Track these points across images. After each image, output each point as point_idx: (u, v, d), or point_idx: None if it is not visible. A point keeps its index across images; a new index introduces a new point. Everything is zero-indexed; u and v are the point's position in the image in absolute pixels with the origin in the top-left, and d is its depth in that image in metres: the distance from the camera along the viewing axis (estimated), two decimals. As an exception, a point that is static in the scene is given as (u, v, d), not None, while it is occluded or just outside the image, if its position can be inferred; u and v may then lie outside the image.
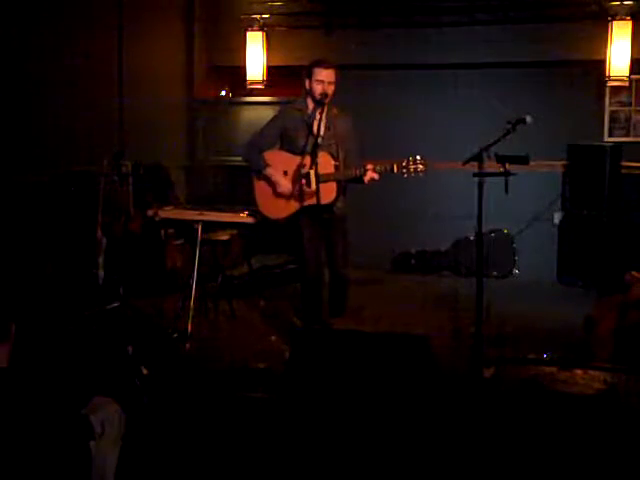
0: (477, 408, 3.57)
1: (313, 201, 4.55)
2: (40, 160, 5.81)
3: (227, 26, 7.92)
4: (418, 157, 4.53)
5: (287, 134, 4.78)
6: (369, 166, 4.58)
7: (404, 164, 4.52)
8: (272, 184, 4.79)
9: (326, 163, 4.58)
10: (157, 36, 7.49)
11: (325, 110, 4.66)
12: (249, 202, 5.55)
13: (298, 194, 4.67)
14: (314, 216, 4.68)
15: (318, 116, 4.64)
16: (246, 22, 7.72)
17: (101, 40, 6.56)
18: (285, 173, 4.77)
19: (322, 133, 4.65)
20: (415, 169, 4.51)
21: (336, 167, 4.64)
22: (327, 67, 4.61)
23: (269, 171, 4.78)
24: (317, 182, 4.46)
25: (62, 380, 3.24)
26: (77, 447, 2.72)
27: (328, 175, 4.58)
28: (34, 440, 2.55)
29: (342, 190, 4.71)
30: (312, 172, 4.51)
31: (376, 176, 4.58)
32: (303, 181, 4.63)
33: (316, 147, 4.46)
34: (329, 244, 4.91)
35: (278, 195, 4.78)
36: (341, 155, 4.70)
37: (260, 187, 4.86)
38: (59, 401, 2.77)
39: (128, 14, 6.78)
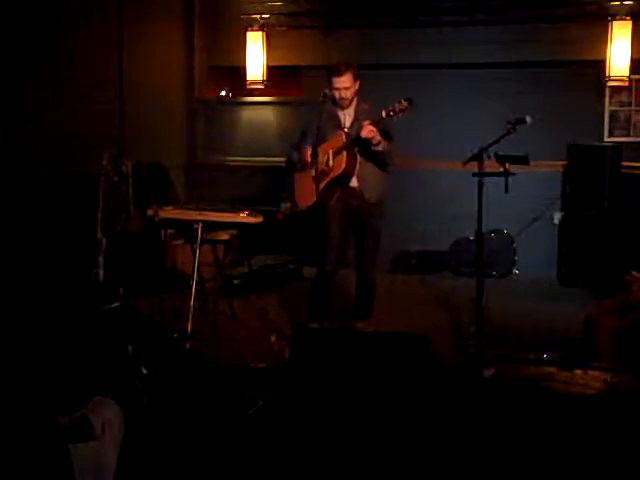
0: (477, 408, 3.57)
1: (334, 174, 4.79)
2: (40, 160, 5.81)
3: (227, 26, 7.92)
4: (402, 100, 4.65)
5: (320, 131, 4.86)
6: (364, 122, 4.69)
7: (390, 108, 4.64)
8: (305, 163, 4.91)
9: (338, 138, 4.81)
10: (157, 36, 7.49)
11: (354, 105, 4.92)
12: (249, 202, 5.56)
13: (320, 174, 4.76)
14: (342, 206, 4.87)
15: (345, 111, 4.91)
16: (246, 22, 7.73)
17: (101, 40, 6.57)
18: None
19: (348, 124, 4.92)
20: (400, 108, 4.62)
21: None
22: (340, 74, 4.78)
23: (300, 156, 4.98)
24: (314, 153, 4.59)
25: (61, 380, 3.24)
26: (54, 452, 2.69)
27: (339, 147, 4.78)
28: (17, 443, 2.54)
29: (354, 159, 4.82)
30: (330, 152, 4.78)
31: (372, 127, 4.66)
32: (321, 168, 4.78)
33: (319, 130, 4.57)
34: (360, 246, 5.03)
35: (310, 181, 4.83)
36: None
37: (298, 179, 5.07)
38: (46, 404, 2.76)
39: (128, 14, 6.78)
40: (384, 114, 4.66)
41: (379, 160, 4.87)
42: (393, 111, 4.64)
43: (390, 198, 5.12)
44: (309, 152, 4.72)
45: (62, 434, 2.74)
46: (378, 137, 4.67)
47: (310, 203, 4.90)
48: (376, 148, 4.75)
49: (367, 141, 4.68)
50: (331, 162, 4.79)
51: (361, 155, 4.83)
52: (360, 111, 4.91)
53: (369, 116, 4.85)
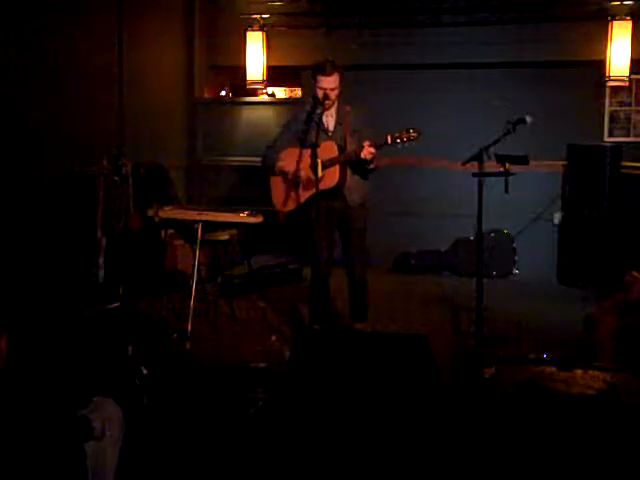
0: (477, 408, 3.57)
1: (324, 186, 4.63)
2: (40, 160, 5.81)
3: (227, 26, 7.93)
4: (411, 129, 4.58)
5: (301, 134, 4.83)
6: (365, 143, 4.62)
7: (397, 134, 4.58)
8: (285, 175, 4.87)
9: (330, 148, 4.68)
10: (157, 36, 7.49)
11: (336, 107, 4.79)
12: (249, 201, 5.56)
13: (306, 182, 4.74)
14: (325, 208, 4.74)
15: (327, 112, 4.77)
16: (246, 22, 7.73)
17: (101, 40, 6.56)
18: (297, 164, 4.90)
19: (332, 128, 4.81)
20: (408, 137, 4.56)
21: (339, 152, 4.71)
22: (329, 74, 4.67)
23: (280, 164, 4.87)
24: (314, 170, 4.50)
25: (61, 380, 3.24)
26: (71, 448, 2.70)
27: (331, 159, 4.66)
28: (28, 441, 2.55)
29: (346, 173, 4.74)
30: (318, 161, 4.61)
31: (373, 149, 4.60)
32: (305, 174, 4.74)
33: (318, 136, 4.52)
34: (346, 247, 4.99)
35: (290, 185, 4.85)
36: (351, 146, 4.74)
37: (275, 182, 4.95)
38: (54, 402, 2.76)
39: (128, 14, 6.78)
40: (389, 140, 4.58)
41: (366, 172, 4.82)
42: (400, 139, 4.56)
43: (391, 198, 5.13)
44: (293, 156, 4.64)
45: (79, 432, 2.75)
46: (375, 158, 4.63)
47: (292, 208, 4.86)
48: (370, 166, 4.72)
49: (363, 160, 4.64)
50: (320, 172, 4.58)
51: (351, 169, 4.76)
52: (342, 113, 4.80)
53: (352, 117, 4.76)
